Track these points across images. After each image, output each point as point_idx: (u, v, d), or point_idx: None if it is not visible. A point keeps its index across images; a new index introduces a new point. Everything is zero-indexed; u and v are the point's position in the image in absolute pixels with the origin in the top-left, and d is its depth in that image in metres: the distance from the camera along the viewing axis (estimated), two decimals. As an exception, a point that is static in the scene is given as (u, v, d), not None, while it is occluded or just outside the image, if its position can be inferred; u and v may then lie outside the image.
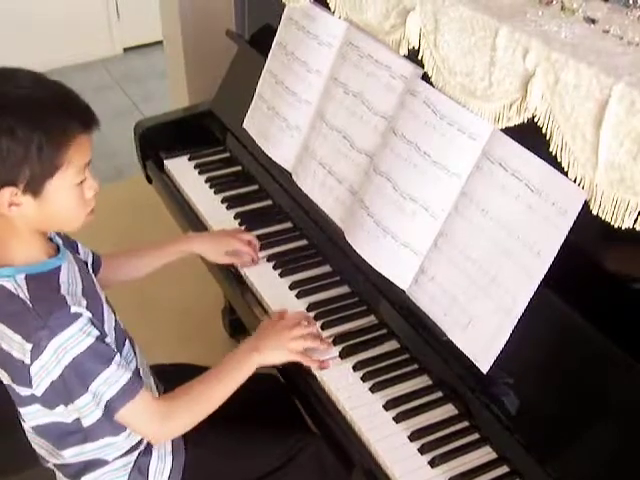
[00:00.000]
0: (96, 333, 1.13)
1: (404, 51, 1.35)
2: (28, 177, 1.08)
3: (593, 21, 1.10)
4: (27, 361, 1.10)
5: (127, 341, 1.30)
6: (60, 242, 1.26)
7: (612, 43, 1.05)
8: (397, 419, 1.25)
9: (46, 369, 1.11)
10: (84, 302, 1.15)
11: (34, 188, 1.09)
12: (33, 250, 1.17)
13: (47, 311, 1.09)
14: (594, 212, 1.03)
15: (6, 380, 1.20)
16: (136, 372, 1.25)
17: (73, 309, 1.11)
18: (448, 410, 1.27)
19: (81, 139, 1.12)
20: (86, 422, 1.18)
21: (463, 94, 1.22)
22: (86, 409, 1.15)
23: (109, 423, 1.19)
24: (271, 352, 1.31)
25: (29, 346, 1.09)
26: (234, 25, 2.10)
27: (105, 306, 1.25)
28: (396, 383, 1.32)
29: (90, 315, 1.14)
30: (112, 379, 1.13)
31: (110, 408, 1.15)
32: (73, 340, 1.10)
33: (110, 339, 1.21)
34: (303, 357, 1.33)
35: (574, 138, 1.04)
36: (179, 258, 1.56)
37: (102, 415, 1.17)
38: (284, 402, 1.48)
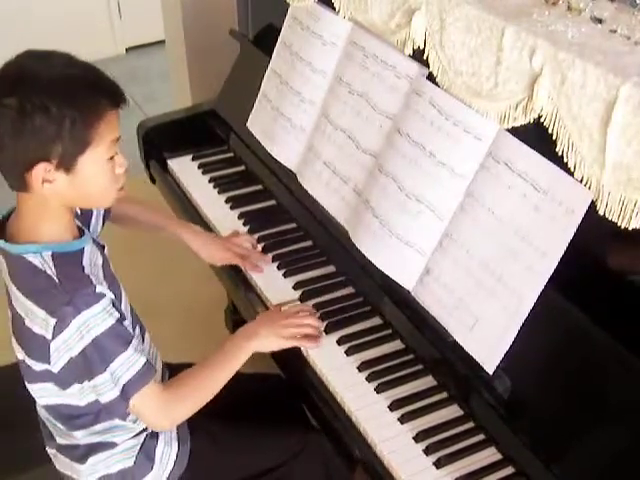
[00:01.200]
0: (117, 315, 1.16)
1: (409, 51, 1.34)
2: (61, 153, 1.10)
3: (600, 21, 1.10)
4: (49, 336, 1.12)
5: (138, 328, 1.31)
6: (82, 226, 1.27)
7: (619, 43, 1.04)
8: (402, 420, 1.25)
9: (67, 345, 1.12)
10: (105, 284, 1.18)
11: (67, 164, 1.11)
12: (60, 229, 1.18)
13: (73, 288, 1.12)
14: (600, 212, 1.03)
15: (21, 355, 1.21)
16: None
17: (98, 289, 1.14)
18: (453, 411, 1.27)
19: (110, 115, 1.14)
20: (104, 399, 1.19)
21: (469, 94, 1.22)
22: (103, 387, 1.17)
23: (125, 402, 1.20)
24: (266, 338, 1.34)
25: (53, 321, 1.11)
26: (237, 24, 2.10)
27: (122, 290, 1.27)
28: (401, 384, 1.31)
29: (113, 297, 1.17)
30: (129, 362, 1.15)
31: (125, 392, 1.17)
32: (97, 318, 1.12)
33: (127, 322, 1.23)
34: (296, 342, 1.37)
35: (581, 138, 1.03)
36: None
37: (118, 395, 1.18)
38: (288, 401, 1.48)
